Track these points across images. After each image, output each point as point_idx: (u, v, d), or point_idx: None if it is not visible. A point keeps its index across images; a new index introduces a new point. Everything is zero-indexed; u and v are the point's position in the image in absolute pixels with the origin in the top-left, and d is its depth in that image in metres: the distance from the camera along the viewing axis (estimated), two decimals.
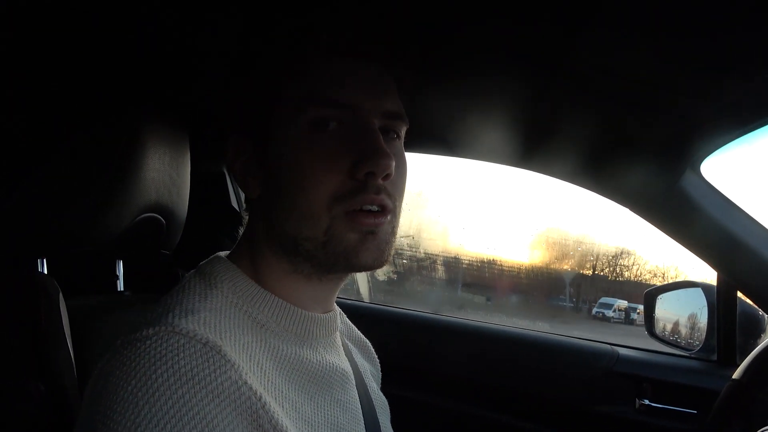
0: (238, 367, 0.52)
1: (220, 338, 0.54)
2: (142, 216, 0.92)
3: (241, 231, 0.69)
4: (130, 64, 0.97)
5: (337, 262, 0.60)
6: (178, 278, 1.11)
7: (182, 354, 0.50)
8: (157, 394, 0.48)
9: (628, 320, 3.28)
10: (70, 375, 0.78)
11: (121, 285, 1.07)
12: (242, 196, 1.63)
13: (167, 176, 0.95)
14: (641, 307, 1.72)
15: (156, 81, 1.01)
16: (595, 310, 3.27)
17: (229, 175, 1.53)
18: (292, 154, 0.59)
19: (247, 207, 0.68)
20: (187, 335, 0.52)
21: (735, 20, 0.67)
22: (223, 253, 0.68)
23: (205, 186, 1.32)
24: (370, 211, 0.59)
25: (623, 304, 3.33)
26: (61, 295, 0.83)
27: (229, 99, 0.65)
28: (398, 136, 0.65)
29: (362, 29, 0.61)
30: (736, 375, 0.97)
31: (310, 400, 0.62)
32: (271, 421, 0.53)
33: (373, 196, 0.58)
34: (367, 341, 0.89)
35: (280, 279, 0.64)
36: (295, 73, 0.60)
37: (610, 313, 3.40)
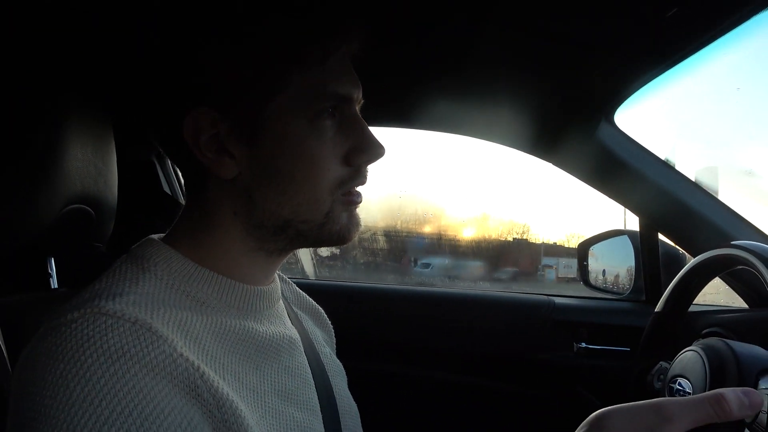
0: (172, 341, 0.52)
1: (151, 317, 0.53)
2: (69, 208, 0.90)
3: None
4: (51, 51, 0.94)
5: (330, 239, 0.65)
6: None
7: (111, 334, 0.49)
8: (88, 374, 0.47)
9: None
10: (4, 375, 0.77)
11: (54, 282, 1.04)
12: (176, 181, 1.62)
13: (92, 166, 0.93)
14: None
15: (79, 68, 0.98)
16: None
17: (158, 162, 1.50)
18: (296, 143, 0.60)
19: (199, 186, 0.64)
20: (114, 315, 0.50)
21: None
22: (155, 236, 0.67)
23: (135, 175, 1.29)
24: (357, 192, 0.66)
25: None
26: None
27: (193, 69, 0.60)
28: None
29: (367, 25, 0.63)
30: (657, 308, 1.04)
31: (256, 369, 0.62)
32: (210, 390, 0.52)
33: (363, 180, 0.65)
34: (320, 308, 0.90)
35: (231, 256, 0.64)
36: (304, 65, 0.60)
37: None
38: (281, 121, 0.60)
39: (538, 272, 3.14)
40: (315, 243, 0.67)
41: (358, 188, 0.66)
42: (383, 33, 0.98)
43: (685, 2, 0.74)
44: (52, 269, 1.04)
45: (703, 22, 0.80)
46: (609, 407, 0.49)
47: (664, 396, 0.92)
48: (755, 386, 0.79)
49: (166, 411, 0.48)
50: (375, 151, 0.64)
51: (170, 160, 0.71)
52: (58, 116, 0.85)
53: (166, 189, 1.50)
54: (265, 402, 0.61)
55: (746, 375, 0.81)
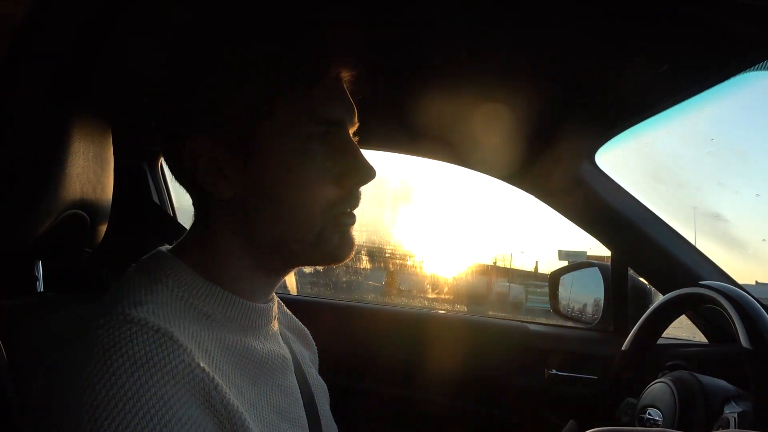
0: (191, 351, 0.54)
1: (170, 327, 0.55)
2: (67, 213, 0.90)
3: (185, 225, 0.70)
4: (57, 59, 0.94)
5: (324, 259, 0.67)
6: (101, 277, 1.09)
7: (136, 340, 0.51)
8: (113, 378, 0.48)
9: None
10: (5, 376, 0.76)
11: (41, 286, 1.03)
12: (165, 191, 1.61)
13: (91, 172, 0.94)
14: None
15: (84, 77, 0.98)
16: None
17: (149, 170, 1.50)
18: (286, 166, 0.62)
19: (202, 205, 0.68)
20: (139, 323, 0.52)
21: (624, 24, 0.77)
22: (164, 248, 0.68)
23: (126, 182, 1.29)
24: (350, 213, 0.67)
25: None
26: None
27: (190, 99, 0.63)
28: None
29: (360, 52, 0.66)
30: (624, 346, 1.09)
31: (254, 385, 0.64)
32: (222, 401, 0.54)
33: (356, 203, 0.67)
34: (305, 329, 0.93)
35: (233, 273, 0.66)
36: (295, 91, 0.62)
37: None
38: (272, 144, 0.62)
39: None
40: (309, 262, 0.69)
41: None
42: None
43: (676, 61, 0.81)
44: (39, 273, 1.03)
45: (688, 79, 0.87)
46: (603, 429, 0.53)
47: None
48: (720, 412, 0.85)
49: (184, 419, 0.50)
50: (365, 174, 0.66)
51: (176, 180, 0.72)
52: (63, 123, 0.86)
53: (155, 197, 1.50)
54: (263, 417, 0.63)
55: (713, 403, 0.87)
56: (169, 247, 0.70)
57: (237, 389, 0.60)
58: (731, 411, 0.83)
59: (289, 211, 0.64)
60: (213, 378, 0.54)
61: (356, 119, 0.69)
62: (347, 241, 0.67)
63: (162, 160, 1.59)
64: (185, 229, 0.72)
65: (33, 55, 0.92)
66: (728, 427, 0.80)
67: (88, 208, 0.94)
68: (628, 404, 1.02)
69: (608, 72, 0.90)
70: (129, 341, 0.51)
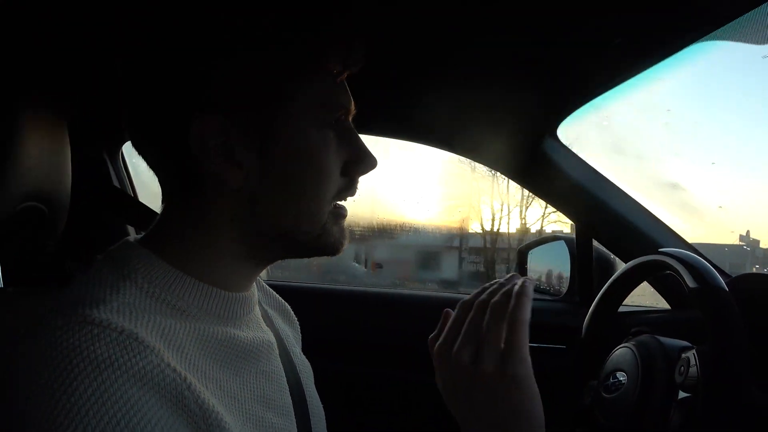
0: (159, 351, 0.51)
1: (135, 326, 0.52)
2: (22, 205, 0.88)
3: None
4: (9, 48, 0.91)
5: (325, 250, 0.65)
6: (63, 269, 1.07)
7: (98, 343, 0.48)
8: (75, 383, 0.45)
9: None
10: None
11: (0, 281, 1.01)
12: (128, 180, 1.58)
13: (47, 163, 0.91)
14: None
15: (34, 64, 0.95)
16: None
17: (110, 160, 1.47)
18: (306, 154, 0.60)
19: (195, 192, 0.62)
20: (101, 324, 0.49)
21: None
22: (132, 238, 0.64)
23: (86, 172, 1.26)
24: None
25: None
26: None
27: (204, 74, 0.58)
28: None
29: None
30: (583, 336, 1.11)
31: (237, 376, 0.62)
32: (197, 401, 0.52)
33: (355, 191, 0.66)
34: (286, 305, 0.91)
35: (218, 264, 0.63)
36: (314, 76, 0.60)
37: None
38: (293, 130, 0.60)
39: None
40: (308, 253, 0.67)
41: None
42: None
43: (629, 34, 0.82)
44: None
45: (643, 52, 0.89)
46: None
47: (596, 409, 0.99)
48: (678, 359, 0.88)
49: (153, 422, 0.48)
50: (370, 162, 0.66)
51: (148, 162, 0.67)
52: (13, 113, 0.83)
53: (117, 185, 1.47)
54: (246, 409, 0.61)
55: (670, 353, 0.91)
56: (138, 236, 0.66)
57: (216, 384, 0.58)
58: (688, 354, 0.86)
59: (303, 202, 0.62)
60: (185, 378, 0.52)
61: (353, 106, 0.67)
62: (344, 233, 0.67)
63: (122, 150, 1.56)
64: (153, 210, 0.69)
65: None
66: (689, 367, 0.83)
67: (45, 199, 0.92)
68: (590, 387, 1.05)
69: (564, 47, 0.91)
70: (90, 344, 0.47)
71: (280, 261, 0.72)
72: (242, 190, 0.60)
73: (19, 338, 0.51)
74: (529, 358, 0.56)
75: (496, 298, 0.59)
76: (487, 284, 0.63)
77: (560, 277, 1.71)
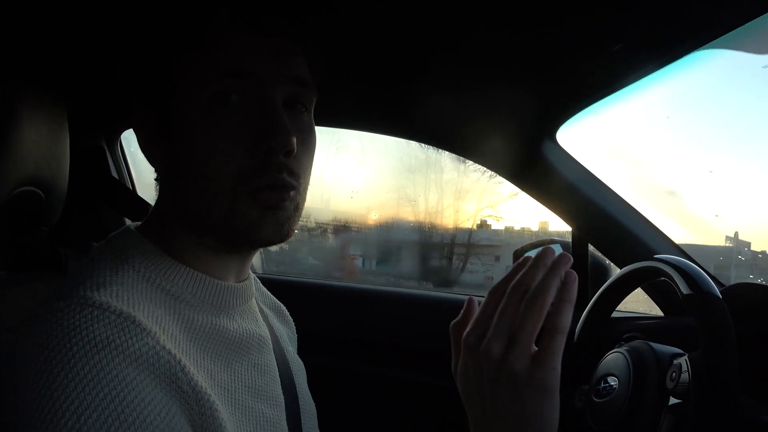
0: (155, 334, 0.53)
1: (134, 310, 0.53)
2: (19, 190, 0.87)
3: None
4: (7, 34, 0.91)
5: (238, 237, 0.61)
6: (58, 256, 1.07)
7: (97, 324, 0.50)
8: (72, 361, 0.47)
9: None
10: None
11: None
12: (125, 169, 1.58)
13: (45, 148, 0.91)
14: None
15: (33, 52, 0.95)
16: None
17: (108, 148, 1.46)
18: (195, 130, 0.58)
19: (156, 179, 0.67)
20: (100, 307, 0.51)
21: (578, 2, 0.78)
22: (132, 225, 0.66)
23: (84, 160, 1.26)
24: (273, 187, 0.59)
25: None
26: None
27: (130, 69, 0.63)
28: (306, 110, 0.64)
29: (263, 3, 0.59)
30: (575, 339, 1.11)
31: (227, 366, 0.63)
32: (190, 383, 0.53)
33: (275, 175, 0.58)
34: (282, 306, 0.92)
35: (191, 251, 0.64)
36: (195, 46, 0.58)
37: None
38: (181, 110, 0.59)
39: None
40: (229, 241, 0.63)
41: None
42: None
43: (630, 41, 0.82)
44: None
45: (644, 58, 0.89)
46: None
47: (586, 414, 1.00)
48: (670, 365, 0.88)
49: (146, 400, 0.49)
50: (277, 138, 0.57)
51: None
52: (12, 98, 0.83)
53: (115, 175, 1.47)
54: (236, 399, 0.62)
55: (662, 359, 0.91)
56: (137, 223, 0.68)
57: (206, 372, 0.59)
58: (680, 360, 0.87)
59: (196, 183, 0.59)
60: (180, 360, 0.53)
61: (296, 71, 0.61)
62: (269, 219, 0.59)
63: (121, 139, 1.56)
64: (148, 203, 0.71)
65: None
66: (681, 374, 0.83)
67: (43, 185, 0.92)
68: (581, 391, 1.05)
69: (565, 50, 0.91)
70: (89, 324, 0.49)
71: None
72: (167, 178, 0.64)
73: (22, 322, 0.52)
74: (559, 368, 0.51)
75: (530, 294, 0.52)
76: (521, 261, 0.56)
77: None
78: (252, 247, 0.65)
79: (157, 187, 0.68)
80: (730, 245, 2.09)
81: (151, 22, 0.61)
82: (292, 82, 0.61)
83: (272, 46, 0.60)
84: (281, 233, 0.61)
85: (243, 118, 0.58)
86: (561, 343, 0.51)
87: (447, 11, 0.86)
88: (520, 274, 0.54)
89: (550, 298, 0.52)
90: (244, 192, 0.58)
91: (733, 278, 1.89)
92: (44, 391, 0.46)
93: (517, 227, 3.28)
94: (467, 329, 0.56)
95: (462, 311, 0.61)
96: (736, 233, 2.09)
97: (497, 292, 0.56)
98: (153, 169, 0.69)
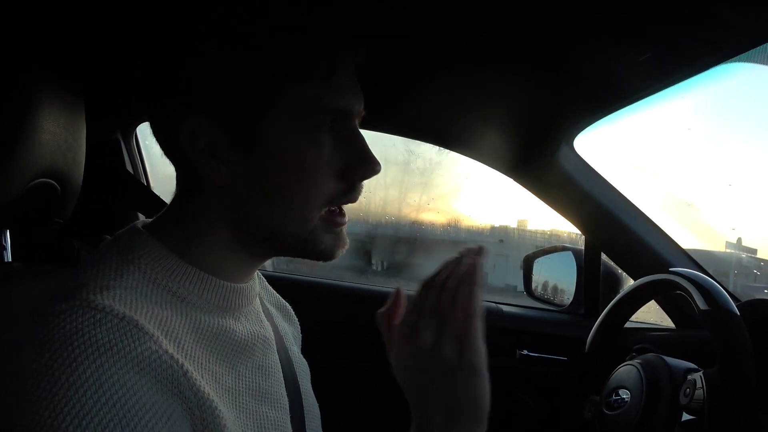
0: (157, 338, 0.52)
1: (136, 314, 0.53)
2: (36, 181, 0.87)
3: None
4: (28, 21, 0.91)
5: (314, 256, 0.65)
6: (71, 248, 1.07)
7: (99, 327, 0.49)
8: (74, 364, 0.47)
9: None
10: None
11: (8, 256, 1.01)
12: (140, 163, 1.58)
13: (62, 140, 0.91)
14: None
15: (56, 43, 0.95)
16: None
17: (124, 141, 1.47)
18: (292, 158, 0.59)
19: (191, 185, 0.64)
20: (103, 310, 0.51)
21: (608, 10, 0.77)
22: (140, 223, 0.66)
23: (99, 152, 1.26)
24: (341, 209, 0.64)
25: None
26: None
27: (192, 75, 0.59)
28: None
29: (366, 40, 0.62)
30: (587, 348, 1.11)
31: (232, 369, 0.63)
32: (192, 388, 0.53)
33: (356, 196, 0.64)
34: (287, 305, 0.91)
35: (215, 255, 0.64)
36: (302, 77, 0.59)
37: None
38: (278, 132, 0.59)
39: None
40: (299, 255, 0.66)
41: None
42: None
43: (657, 51, 0.81)
44: (6, 242, 1.00)
45: (669, 69, 0.88)
46: None
47: (597, 425, 0.99)
48: (684, 380, 0.88)
49: (148, 405, 0.49)
50: (371, 167, 0.63)
51: (165, 154, 0.68)
52: (30, 88, 0.83)
53: (129, 169, 1.47)
54: (240, 402, 0.62)
55: (676, 374, 0.90)
56: (146, 221, 0.67)
57: (211, 375, 0.59)
58: (695, 376, 0.86)
59: (287, 205, 0.61)
60: (182, 365, 0.53)
61: (363, 108, 0.66)
62: (339, 242, 0.66)
63: (137, 132, 1.56)
64: (162, 200, 0.69)
65: None
66: (695, 390, 0.82)
67: (59, 177, 0.92)
68: (591, 401, 1.04)
69: (591, 58, 0.90)
70: (92, 328, 0.49)
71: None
72: (230, 189, 0.61)
73: (25, 322, 0.52)
74: (482, 348, 0.57)
75: (450, 281, 0.58)
76: (449, 260, 0.62)
77: (565, 288, 1.70)
78: (314, 259, 0.68)
79: (180, 187, 0.66)
80: (730, 251, 2.07)
81: (266, 50, 0.58)
82: (359, 117, 0.66)
83: (354, 82, 0.64)
84: (344, 250, 0.67)
85: (335, 146, 0.62)
86: (476, 322, 0.57)
87: (470, 11, 0.85)
88: (448, 268, 0.60)
89: (474, 288, 0.58)
90: (324, 216, 0.63)
91: (732, 284, 1.87)
92: (45, 395, 0.46)
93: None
94: (401, 319, 0.62)
95: (389, 301, 0.68)
96: (739, 239, 2.07)
97: (427, 285, 0.61)
98: (168, 165, 0.67)
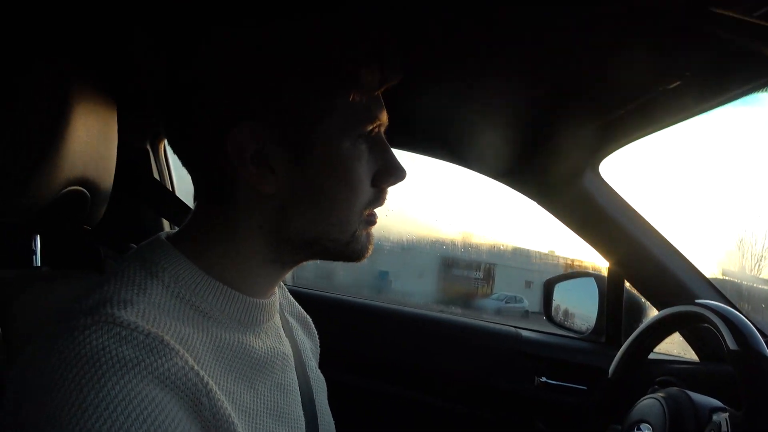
0: (183, 355, 0.52)
1: (160, 330, 0.53)
2: (68, 189, 0.89)
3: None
4: (67, 33, 0.93)
5: (351, 256, 0.67)
6: (98, 255, 1.09)
7: (125, 344, 0.50)
8: (102, 380, 0.47)
9: None
10: None
11: (37, 260, 1.03)
12: (167, 173, 1.61)
13: (94, 149, 0.93)
14: None
15: (92, 53, 0.98)
16: None
17: (152, 150, 1.50)
18: (341, 166, 0.62)
19: (227, 194, 0.63)
20: (128, 327, 0.51)
21: (639, 38, 0.77)
22: (164, 234, 0.66)
23: (128, 161, 1.28)
24: (372, 212, 0.68)
25: None
26: None
27: (249, 85, 0.59)
28: None
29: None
30: (610, 374, 1.08)
31: (250, 387, 0.63)
32: (212, 409, 0.53)
33: (384, 202, 0.68)
34: (308, 317, 0.91)
35: (242, 266, 0.64)
36: (358, 87, 0.61)
37: None
38: (328, 142, 0.61)
39: None
40: (334, 259, 0.69)
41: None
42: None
43: (687, 79, 0.80)
44: (36, 247, 1.02)
45: (700, 97, 0.87)
46: None
47: None
48: (709, 421, 0.85)
49: (176, 422, 0.49)
50: (400, 174, 0.66)
51: (183, 160, 0.66)
52: (67, 98, 0.85)
53: (157, 177, 1.50)
54: (257, 423, 0.62)
55: (701, 412, 0.88)
56: (170, 232, 0.68)
57: (229, 395, 0.59)
58: (720, 417, 0.83)
59: (334, 211, 0.63)
60: (207, 382, 0.53)
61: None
62: (371, 239, 0.68)
63: (165, 142, 1.59)
64: (188, 207, 0.69)
65: (39, 29, 0.91)
66: (720, 431, 0.80)
67: (90, 185, 0.94)
68: (613, 430, 1.02)
69: (622, 84, 0.90)
70: (118, 345, 0.49)
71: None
72: (274, 197, 0.61)
73: (48, 336, 0.52)
74: None
75: None
76: None
77: (585, 315, 1.67)
78: (351, 261, 0.70)
79: (206, 197, 0.66)
80: (726, 278, 2.02)
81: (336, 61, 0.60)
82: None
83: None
84: (371, 249, 0.69)
85: (370, 155, 0.65)
86: None
87: (500, 38, 0.85)
88: None
89: None
90: (363, 218, 0.66)
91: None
92: (75, 410, 0.46)
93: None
94: None
95: None
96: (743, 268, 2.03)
97: None
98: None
